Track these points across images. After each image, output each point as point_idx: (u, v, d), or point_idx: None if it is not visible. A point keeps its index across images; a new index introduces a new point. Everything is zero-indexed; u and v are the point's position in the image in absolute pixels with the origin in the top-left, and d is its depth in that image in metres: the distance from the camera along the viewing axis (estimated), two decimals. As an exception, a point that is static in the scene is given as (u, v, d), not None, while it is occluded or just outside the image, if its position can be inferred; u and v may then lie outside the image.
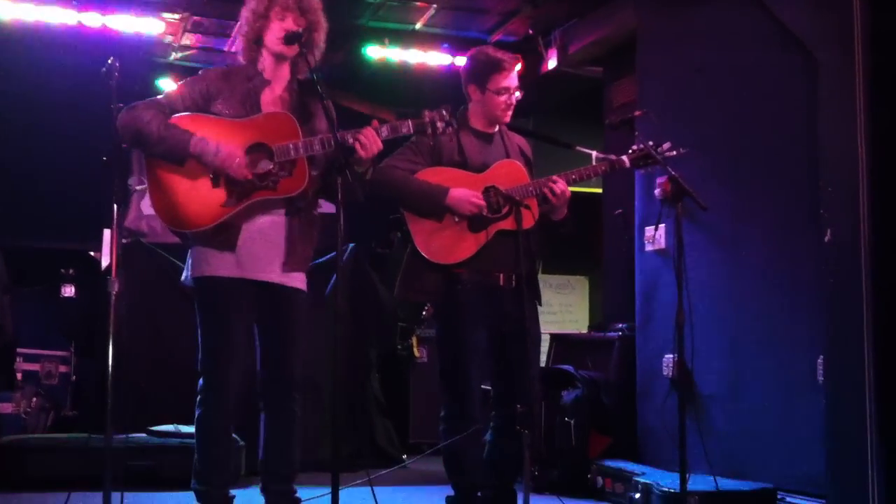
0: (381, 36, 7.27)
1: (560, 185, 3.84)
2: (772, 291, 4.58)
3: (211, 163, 3.38)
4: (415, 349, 6.62)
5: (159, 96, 3.52)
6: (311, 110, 3.60)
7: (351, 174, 3.26)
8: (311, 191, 3.53)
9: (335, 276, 5.37)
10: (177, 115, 3.44)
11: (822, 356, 4.15)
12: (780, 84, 4.64)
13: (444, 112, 3.57)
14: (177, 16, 6.91)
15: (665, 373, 5.05)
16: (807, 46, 4.30)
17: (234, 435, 3.87)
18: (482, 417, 3.90)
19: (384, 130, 3.48)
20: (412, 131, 3.56)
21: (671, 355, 4.91)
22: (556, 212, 3.95)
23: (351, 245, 5.94)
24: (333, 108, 3.38)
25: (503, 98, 3.94)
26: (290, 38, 3.45)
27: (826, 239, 4.09)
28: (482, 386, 3.95)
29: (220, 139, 3.40)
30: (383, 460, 5.76)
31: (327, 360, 5.44)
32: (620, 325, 5.66)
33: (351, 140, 3.39)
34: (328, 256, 4.85)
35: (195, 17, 6.96)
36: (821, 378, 4.16)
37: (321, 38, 3.58)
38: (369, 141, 3.41)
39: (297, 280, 3.56)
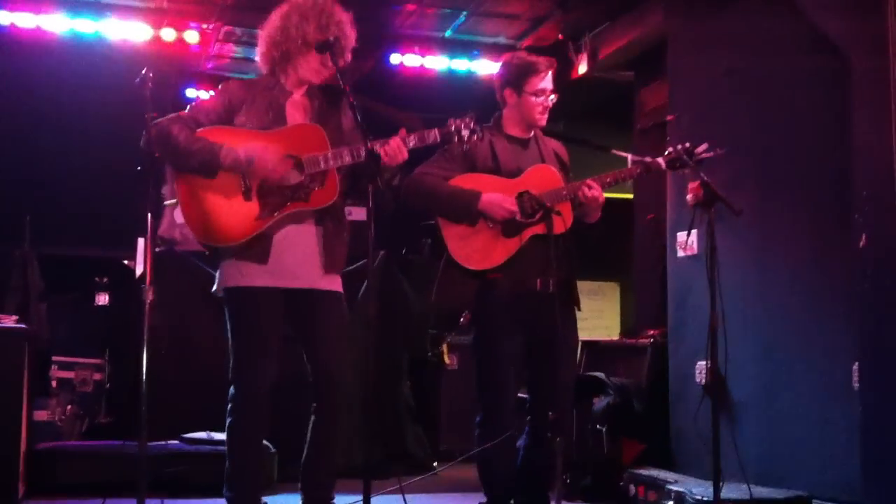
0: (411, 43, 7.29)
1: (594, 190, 3.83)
2: (806, 296, 4.53)
3: (245, 170, 3.39)
4: (445, 356, 6.61)
5: (183, 111, 3.52)
6: (333, 113, 3.61)
7: (381, 181, 3.27)
8: (340, 196, 3.54)
9: (366, 282, 5.40)
10: (202, 128, 3.45)
11: (857, 362, 4.10)
12: (810, 87, 4.60)
13: (468, 119, 3.57)
14: (209, 25, 6.97)
15: (698, 379, 5.01)
16: (840, 50, 4.26)
17: (265, 442, 3.88)
18: (517, 424, 3.89)
19: (411, 140, 3.49)
20: (439, 140, 3.57)
21: (704, 361, 4.86)
22: (589, 215, 3.95)
23: (381, 252, 5.95)
24: (359, 112, 3.38)
25: (540, 100, 3.94)
26: (321, 47, 3.46)
27: (861, 244, 4.04)
28: (519, 394, 3.94)
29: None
30: (414, 467, 5.75)
31: (358, 367, 5.46)
32: (652, 332, 5.62)
33: (379, 150, 3.39)
34: (359, 263, 4.85)
35: (227, 27, 7.02)
36: (856, 384, 4.11)
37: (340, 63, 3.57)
38: (394, 151, 3.42)
39: (334, 283, 3.57)
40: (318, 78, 3.57)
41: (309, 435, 3.57)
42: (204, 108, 3.53)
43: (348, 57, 3.60)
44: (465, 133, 3.56)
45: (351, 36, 3.57)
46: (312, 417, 3.57)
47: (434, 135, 3.54)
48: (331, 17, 3.52)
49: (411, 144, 3.49)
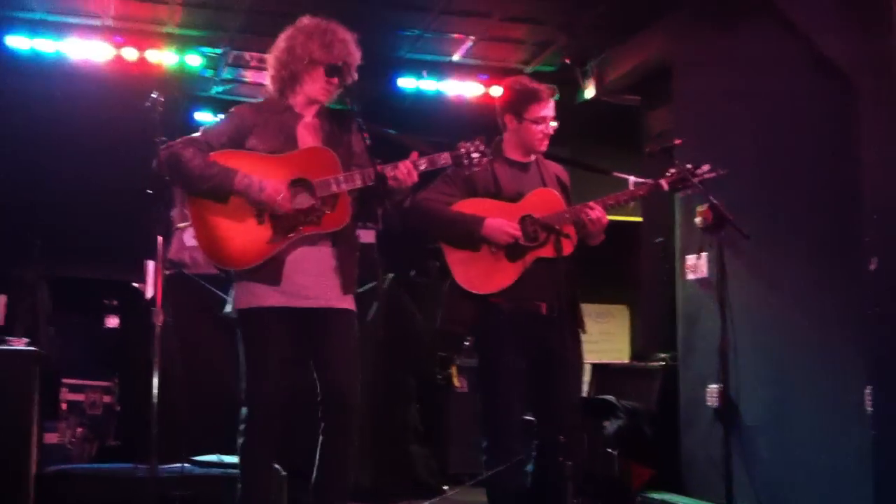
0: (418, 68, 7.33)
1: (596, 212, 3.83)
2: (817, 319, 4.52)
3: (256, 199, 3.41)
4: (454, 379, 6.59)
5: (196, 134, 3.54)
6: (342, 136, 3.62)
7: (390, 204, 3.29)
8: (352, 219, 3.55)
9: (375, 304, 5.40)
10: (214, 152, 3.47)
11: (869, 385, 4.08)
12: (817, 109, 4.61)
13: (478, 143, 3.59)
14: (218, 50, 7.03)
15: (709, 402, 4.99)
16: (846, 73, 4.27)
17: (276, 465, 3.86)
18: (524, 448, 3.88)
19: (422, 163, 3.50)
20: (450, 163, 3.58)
21: (715, 385, 4.85)
22: (593, 238, 3.95)
23: (389, 275, 5.95)
24: (369, 135, 3.40)
25: (540, 127, 3.95)
26: (330, 71, 3.50)
27: (871, 266, 4.04)
28: (525, 416, 3.93)
29: (262, 175, 3.43)
30: (422, 491, 5.73)
31: (366, 389, 5.44)
32: (662, 355, 5.61)
33: (390, 173, 3.41)
34: (368, 286, 4.86)
35: (235, 52, 7.08)
36: (869, 407, 4.09)
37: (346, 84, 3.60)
38: (404, 175, 3.44)
39: (346, 301, 3.56)
40: (325, 97, 3.59)
41: (319, 456, 3.54)
42: (215, 131, 3.54)
43: (355, 75, 3.62)
44: (476, 156, 3.57)
45: (356, 54, 3.59)
46: (321, 438, 3.54)
47: (445, 158, 3.56)
48: (334, 34, 3.55)
49: (422, 168, 3.50)
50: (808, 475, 4.47)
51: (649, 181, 3.98)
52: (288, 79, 3.58)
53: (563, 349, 3.65)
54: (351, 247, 3.59)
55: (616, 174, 4.24)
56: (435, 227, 3.89)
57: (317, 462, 3.54)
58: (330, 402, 3.52)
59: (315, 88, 3.56)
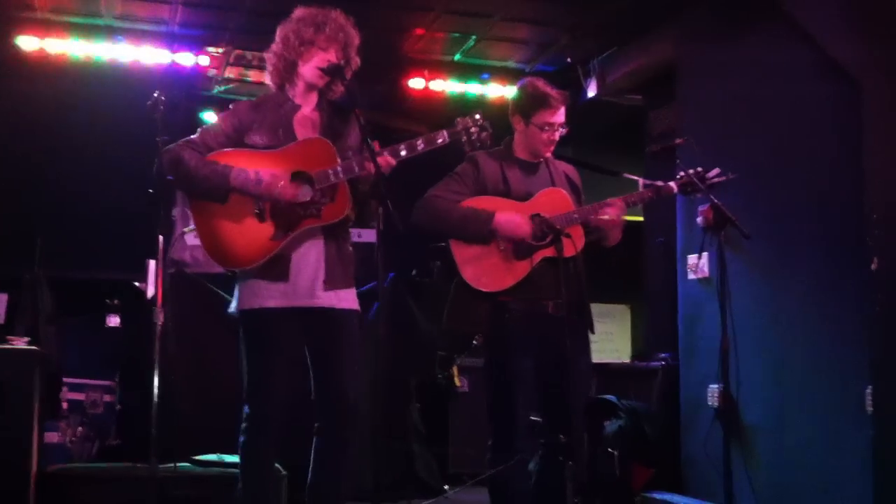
0: (421, 67, 7.33)
1: (612, 209, 3.83)
2: (818, 320, 4.52)
3: (255, 192, 3.39)
4: (455, 379, 6.59)
5: (193, 136, 3.52)
6: (342, 129, 3.59)
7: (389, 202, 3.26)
8: (352, 211, 3.52)
9: (376, 304, 5.40)
10: (213, 152, 3.46)
11: (869, 386, 4.08)
12: (821, 112, 4.60)
13: (476, 117, 3.55)
14: (220, 49, 7.03)
15: (710, 402, 4.99)
16: (852, 75, 4.27)
17: (276, 465, 3.86)
18: (529, 447, 3.87)
19: (420, 144, 3.45)
20: (448, 141, 3.51)
21: (716, 385, 4.84)
22: (608, 238, 3.94)
23: (391, 274, 5.95)
24: (370, 128, 3.38)
25: (545, 134, 3.94)
26: (331, 71, 3.48)
27: (872, 266, 4.03)
28: (531, 416, 3.92)
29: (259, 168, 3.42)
30: (423, 491, 5.73)
31: (366, 389, 5.44)
32: (663, 355, 5.61)
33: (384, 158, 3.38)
34: (369, 286, 4.86)
35: (237, 51, 7.08)
36: (869, 408, 4.09)
37: (350, 74, 3.59)
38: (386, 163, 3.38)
39: (349, 301, 3.53)
40: (322, 81, 3.55)
41: (315, 458, 3.52)
42: (213, 131, 3.53)
43: (357, 59, 3.59)
44: (475, 131, 3.54)
45: (352, 35, 3.56)
46: (317, 439, 3.52)
47: (443, 136, 3.50)
48: (326, 15, 3.53)
49: (420, 148, 3.44)
50: (809, 476, 4.47)
51: (659, 183, 3.98)
52: (284, 70, 3.56)
53: (571, 350, 3.64)
54: (343, 241, 3.55)
55: (626, 175, 4.23)
56: (444, 223, 3.87)
57: (312, 464, 3.52)
58: (327, 403, 3.50)
59: (309, 70, 3.52)
